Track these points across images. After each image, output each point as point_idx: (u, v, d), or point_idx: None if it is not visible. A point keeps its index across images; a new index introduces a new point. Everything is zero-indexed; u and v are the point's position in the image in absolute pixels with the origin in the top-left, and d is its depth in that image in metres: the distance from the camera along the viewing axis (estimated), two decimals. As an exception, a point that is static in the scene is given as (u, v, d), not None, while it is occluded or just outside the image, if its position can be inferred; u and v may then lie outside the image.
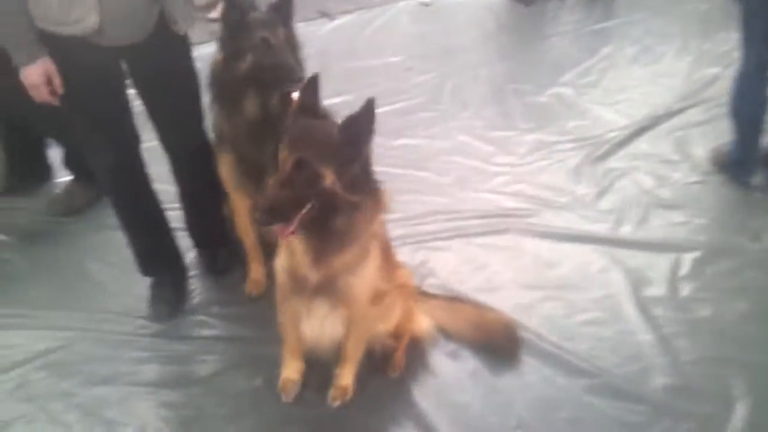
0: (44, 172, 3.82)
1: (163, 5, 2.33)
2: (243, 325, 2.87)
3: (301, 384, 2.53)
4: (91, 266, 3.24)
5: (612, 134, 4.23)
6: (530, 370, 2.63)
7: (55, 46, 2.27)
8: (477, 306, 2.76)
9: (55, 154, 3.82)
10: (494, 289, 3.04)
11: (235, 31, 2.58)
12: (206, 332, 2.87)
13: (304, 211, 1.89)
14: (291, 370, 2.52)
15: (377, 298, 2.32)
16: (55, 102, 2.38)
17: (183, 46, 2.57)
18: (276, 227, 1.92)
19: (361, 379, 2.54)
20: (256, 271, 3.02)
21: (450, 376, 2.62)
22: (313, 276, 2.11)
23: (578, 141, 4.17)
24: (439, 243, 3.33)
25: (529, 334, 2.75)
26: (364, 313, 2.30)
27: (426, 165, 4.01)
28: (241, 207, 2.89)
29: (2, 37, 2.28)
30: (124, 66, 2.48)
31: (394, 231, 3.31)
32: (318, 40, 5.58)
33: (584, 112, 4.55)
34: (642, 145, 4.17)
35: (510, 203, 3.63)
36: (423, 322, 2.68)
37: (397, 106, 4.65)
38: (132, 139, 2.65)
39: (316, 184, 1.86)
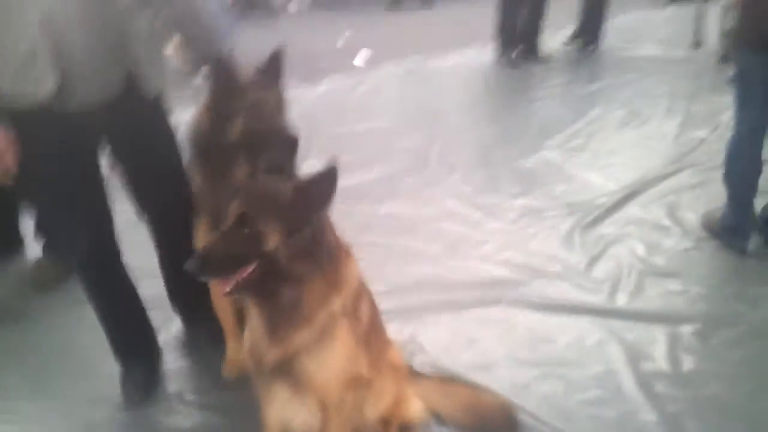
0: (14, 244, 3.66)
1: (129, 66, 2.21)
2: (221, 414, 2.67)
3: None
4: (62, 347, 3.06)
5: (602, 199, 4.17)
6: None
7: (14, 117, 2.10)
8: (471, 387, 2.59)
9: (26, 223, 3.67)
10: (488, 366, 2.87)
11: (224, 93, 2.46)
12: (181, 422, 2.66)
13: (244, 271, 1.75)
14: None
15: (353, 383, 2.11)
16: (6, 180, 2.19)
17: (157, 107, 2.45)
18: (213, 282, 1.79)
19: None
20: (233, 350, 2.83)
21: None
22: (269, 355, 1.94)
23: (567, 207, 4.10)
24: (429, 316, 3.18)
25: (527, 417, 2.57)
26: (336, 401, 2.09)
27: (413, 233, 3.90)
28: None
29: None
30: (95, 134, 2.35)
31: (381, 304, 3.20)
32: (306, 104, 5.57)
33: (572, 177, 4.50)
34: (633, 210, 4.10)
35: (500, 272, 3.51)
36: (414, 406, 2.49)
37: (382, 171, 4.59)
38: (106, 220, 2.49)
39: (258, 244, 1.73)
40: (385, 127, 5.28)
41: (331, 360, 1.96)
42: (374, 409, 2.34)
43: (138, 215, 2.66)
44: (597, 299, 3.30)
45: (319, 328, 1.88)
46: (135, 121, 2.33)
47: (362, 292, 2.15)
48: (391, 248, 3.71)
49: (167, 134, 2.53)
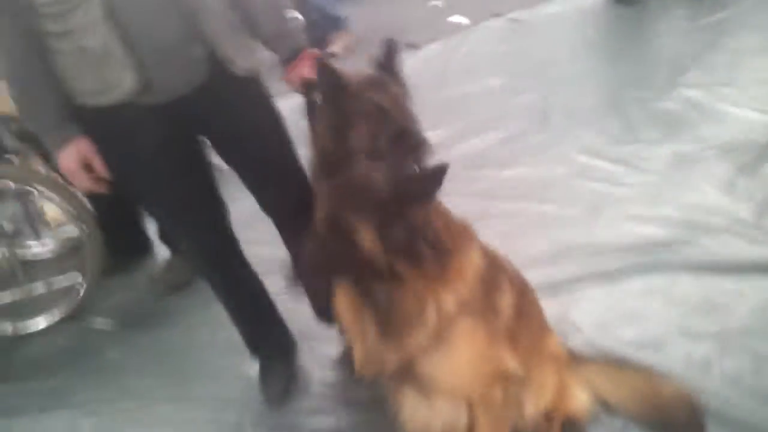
0: (143, 246, 3.65)
1: (209, 44, 1.99)
2: (365, 410, 2.49)
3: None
4: (196, 348, 3.01)
5: (762, 136, 3.60)
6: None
7: (101, 121, 1.98)
8: (645, 372, 2.22)
9: (152, 226, 3.65)
10: (657, 343, 2.51)
11: (335, 98, 2.14)
12: (323, 421, 2.52)
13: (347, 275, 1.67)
14: None
15: (497, 380, 1.88)
16: (102, 189, 2.09)
17: (252, 88, 2.20)
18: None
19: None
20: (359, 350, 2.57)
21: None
22: (387, 361, 1.78)
23: (723, 148, 3.56)
24: (579, 290, 2.83)
25: (712, 399, 2.20)
26: (480, 401, 1.88)
27: (546, 195, 3.53)
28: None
29: (29, 120, 2.06)
30: (190, 124, 2.15)
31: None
32: (408, 73, 5.25)
33: (721, 114, 3.93)
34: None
35: (656, 232, 3.08)
36: (579, 397, 2.20)
37: (501, 133, 4.22)
38: (218, 216, 2.35)
39: (354, 242, 1.57)
40: (496, 85, 4.87)
41: (455, 362, 1.78)
42: (534, 404, 2.08)
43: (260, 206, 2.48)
44: (775, 253, 2.83)
45: (433, 330, 1.71)
46: (231, 104, 2.11)
47: (498, 280, 1.89)
48: (523, 215, 3.38)
49: (270, 117, 2.29)
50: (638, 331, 2.58)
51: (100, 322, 3.30)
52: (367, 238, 1.58)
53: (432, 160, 2.34)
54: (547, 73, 4.88)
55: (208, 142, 2.28)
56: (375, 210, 1.58)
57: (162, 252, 3.63)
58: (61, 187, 3.07)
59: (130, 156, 2.06)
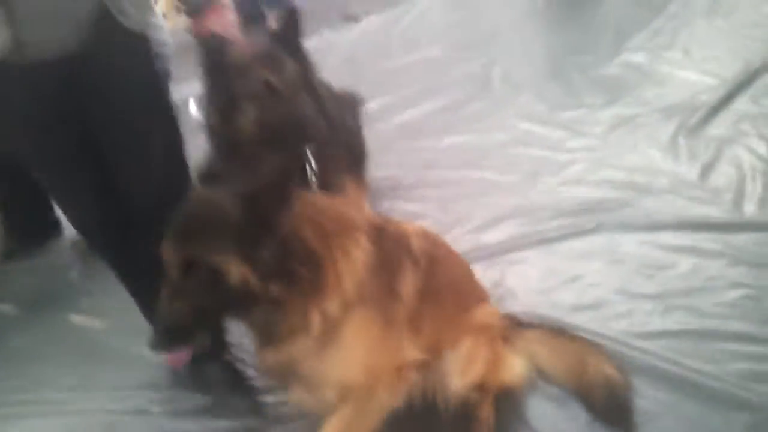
0: (51, 228, 3.35)
1: None
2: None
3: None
4: (102, 333, 2.75)
5: (703, 97, 3.49)
6: (667, 410, 1.94)
7: None
8: (582, 345, 2.05)
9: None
10: (597, 304, 2.36)
11: (220, 75, 1.94)
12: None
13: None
14: None
15: (387, 376, 1.72)
16: None
17: (140, 48, 1.90)
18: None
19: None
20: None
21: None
22: (268, 361, 1.64)
23: (666, 111, 3.45)
24: (515, 255, 2.68)
25: (657, 361, 2.07)
26: (359, 397, 1.70)
27: (485, 163, 3.37)
28: None
29: None
30: (70, 87, 1.83)
31: (458, 246, 2.73)
32: (346, 46, 5.07)
33: (664, 77, 3.84)
34: (743, 105, 3.43)
35: (597, 194, 2.95)
36: (514, 366, 2.03)
37: (441, 102, 4.05)
38: (103, 188, 2.01)
39: (221, 283, 1.36)
40: (437, 56, 4.69)
41: (341, 363, 1.64)
42: (461, 378, 1.91)
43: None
44: (719, 212, 2.71)
45: (317, 335, 1.55)
46: (116, 66, 1.82)
47: (396, 263, 1.72)
48: (462, 183, 3.22)
49: (156, 83, 1.99)
50: (577, 293, 2.43)
51: (3, 308, 3.01)
52: (234, 273, 1.36)
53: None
54: (489, 42, 4.72)
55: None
56: (234, 238, 1.37)
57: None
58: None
59: (5, 119, 1.79)
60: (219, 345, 2.31)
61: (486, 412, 1.97)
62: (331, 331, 1.56)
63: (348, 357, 1.63)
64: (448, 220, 2.93)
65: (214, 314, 1.45)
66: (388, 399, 1.74)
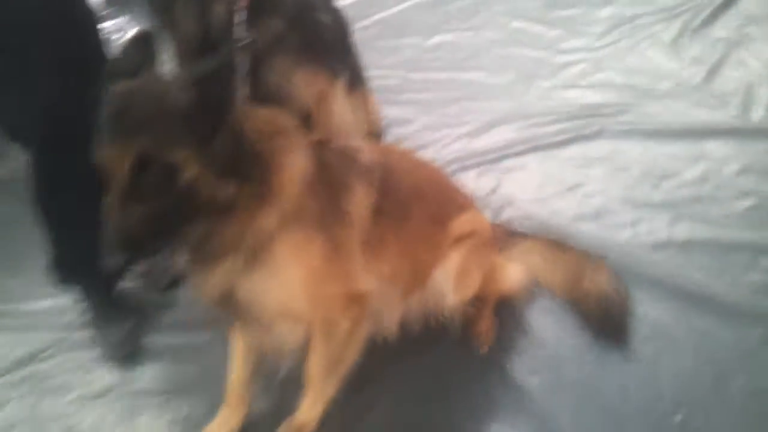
0: None
1: None
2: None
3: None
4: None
5: (711, -2, 3.28)
6: (677, 322, 1.83)
7: None
8: (580, 257, 1.92)
9: None
10: (598, 214, 2.21)
11: None
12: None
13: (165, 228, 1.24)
14: (223, 418, 1.75)
15: (347, 303, 1.52)
16: None
17: None
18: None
19: (440, 363, 1.81)
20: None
21: (562, 344, 1.83)
22: (208, 288, 1.42)
23: (667, 9, 3.25)
24: (511, 161, 2.50)
25: (665, 273, 1.95)
26: (323, 322, 1.53)
27: (475, 64, 3.14)
28: None
29: None
30: None
31: (447, 153, 2.54)
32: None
33: (665, -26, 3.59)
34: (749, 5, 3.22)
35: (597, 98, 2.76)
36: (511, 274, 1.91)
37: (424, -3, 3.74)
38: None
39: (173, 183, 1.18)
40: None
41: (278, 287, 1.42)
42: (456, 294, 1.76)
43: None
44: (725, 117, 2.55)
45: (249, 253, 1.36)
46: None
47: (342, 178, 1.50)
48: (450, 85, 2.99)
49: None
50: (578, 202, 2.28)
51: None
52: (188, 170, 1.17)
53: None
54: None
55: None
56: (185, 129, 1.16)
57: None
58: None
59: None
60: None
61: (485, 324, 1.86)
62: (264, 249, 1.37)
63: (285, 280, 1.43)
64: (437, 125, 2.73)
65: (167, 220, 1.23)
66: (353, 328, 1.56)
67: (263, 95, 1.82)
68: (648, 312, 1.84)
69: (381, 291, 1.60)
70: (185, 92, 1.18)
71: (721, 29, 3.07)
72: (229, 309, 1.47)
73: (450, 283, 1.75)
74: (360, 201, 1.52)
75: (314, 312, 1.50)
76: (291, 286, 1.44)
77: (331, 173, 1.47)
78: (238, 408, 1.74)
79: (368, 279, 1.55)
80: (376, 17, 3.59)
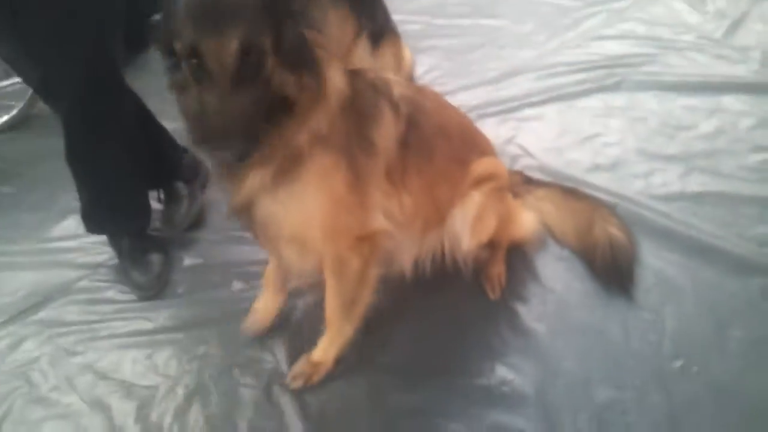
0: None
1: None
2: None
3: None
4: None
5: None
6: (682, 272, 1.90)
7: None
8: (591, 206, 1.98)
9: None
10: (614, 165, 2.27)
11: None
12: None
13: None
14: (263, 300, 1.89)
15: (352, 239, 1.56)
16: None
17: None
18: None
19: (453, 304, 1.89)
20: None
21: (570, 290, 1.91)
22: (232, 200, 1.47)
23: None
24: (530, 111, 2.54)
25: (675, 224, 2.01)
26: (334, 258, 1.57)
27: (496, 10, 3.16)
28: None
29: None
30: None
31: (469, 100, 2.58)
32: None
33: None
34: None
35: (616, 49, 2.78)
36: (525, 220, 1.97)
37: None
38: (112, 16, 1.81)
39: (262, 69, 1.24)
40: None
41: (296, 208, 1.45)
42: (472, 238, 1.79)
43: None
44: (745, 71, 2.57)
45: (277, 164, 1.38)
46: None
47: (373, 107, 1.53)
48: (471, 31, 3.02)
49: None
50: (593, 152, 2.34)
51: None
52: (270, 58, 1.24)
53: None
54: None
55: None
56: (266, 16, 1.23)
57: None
58: None
59: None
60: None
61: (497, 269, 1.94)
62: (294, 166, 1.40)
63: (305, 203, 1.46)
64: (460, 72, 2.76)
65: (255, 111, 1.26)
66: (364, 268, 1.60)
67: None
68: (654, 262, 1.92)
69: (399, 225, 1.64)
70: None
71: (746, -18, 3.04)
72: (248, 224, 1.53)
73: (467, 225, 1.77)
74: (387, 132, 1.56)
75: (324, 243, 1.53)
76: (309, 210, 1.47)
77: (363, 101, 1.51)
78: (276, 294, 1.86)
79: (382, 218, 1.59)
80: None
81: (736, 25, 2.79)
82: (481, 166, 1.79)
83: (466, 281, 1.88)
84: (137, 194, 2.16)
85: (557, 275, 1.96)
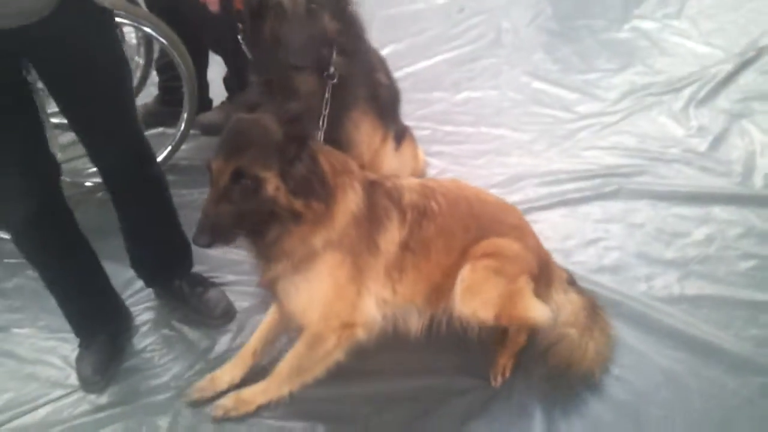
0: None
1: None
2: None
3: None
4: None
5: (712, 70, 3.59)
6: (687, 370, 2.06)
7: None
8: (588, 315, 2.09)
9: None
10: (616, 267, 2.46)
11: None
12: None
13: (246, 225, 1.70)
14: (224, 370, 2.10)
15: (337, 322, 1.89)
16: None
17: (104, 18, 1.83)
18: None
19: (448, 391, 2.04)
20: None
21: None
22: (262, 276, 1.89)
23: (675, 81, 3.55)
24: (536, 215, 2.73)
25: (679, 324, 2.19)
26: (315, 332, 1.92)
27: (500, 120, 3.41)
28: None
29: None
30: (19, 59, 1.77)
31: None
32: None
33: (673, 48, 3.92)
34: (750, 80, 3.54)
35: (610, 159, 3.03)
36: (535, 307, 2.02)
37: (452, 54, 4.05)
38: (52, 170, 1.96)
39: (259, 193, 1.63)
40: (446, 4, 4.65)
41: (304, 293, 1.85)
42: (466, 304, 1.95)
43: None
44: (729, 183, 2.83)
45: (297, 259, 1.79)
46: (80, 34, 1.77)
47: (381, 217, 1.87)
48: (477, 138, 3.25)
49: (117, 52, 1.91)
50: (598, 255, 2.53)
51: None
52: (271, 185, 1.61)
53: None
54: (495, -4, 4.69)
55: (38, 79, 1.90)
56: (275, 155, 1.61)
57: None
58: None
59: None
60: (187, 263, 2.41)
61: (505, 360, 2.06)
62: (307, 260, 1.78)
63: (312, 290, 1.83)
64: (469, 177, 2.94)
65: (248, 219, 1.66)
66: (333, 350, 1.92)
67: (334, 137, 2.12)
68: (662, 360, 2.08)
69: (393, 305, 1.97)
70: (280, 127, 1.63)
71: (725, 101, 3.36)
72: (272, 293, 1.93)
73: (458, 292, 1.94)
74: (391, 238, 1.90)
75: (317, 321, 1.87)
76: (313, 294, 1.84)
77: (376, 211, 1.87)
78: (245, 362, 2.09)
79: (372, 308, 1.92)
80: (408, 70, 3.85)
81: (718, 140, 3.07)
82: (480, 249, 1.97)
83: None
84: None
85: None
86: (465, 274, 1.95)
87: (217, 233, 1.64)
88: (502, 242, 2.00)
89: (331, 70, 2.08)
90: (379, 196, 1.88)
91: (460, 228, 1.98)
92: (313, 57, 2.04)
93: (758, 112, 3.24)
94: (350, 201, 1.79)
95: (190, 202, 2.83)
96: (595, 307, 2.12)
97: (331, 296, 1.85)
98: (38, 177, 1.90)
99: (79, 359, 2.21)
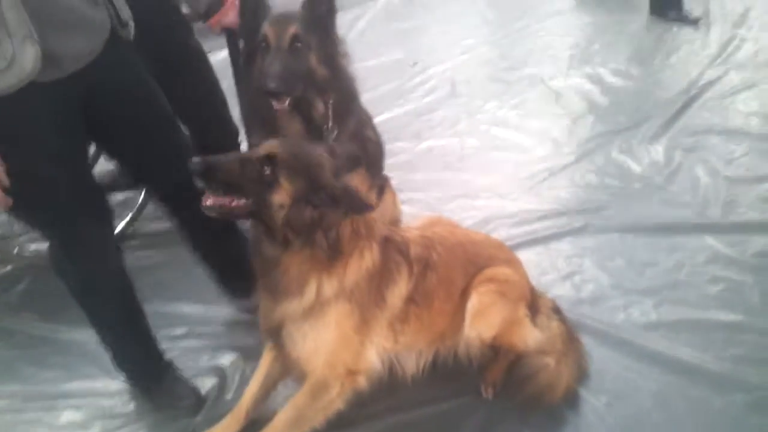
0: None
1: (108, 4, 1.77)
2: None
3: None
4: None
5: (669, 110, 3.81)
6: (675, 392, 2.12)
7: None
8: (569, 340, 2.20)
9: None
10: (595, 299, 2.53)
11: (250, 21, 2.15)
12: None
13: (236, 201, 1.69)
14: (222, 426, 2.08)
15: (341, 371, 1.90)
16: (6, 204, 1.64)
17: (133, 54, 1.94)
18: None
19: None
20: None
21: (578, 406, 2.09)
22: (271, 316, 1.87)
23: (627, 123, 3.75)
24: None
25: (662, 348, 2.27)
26: (319, 381, 1.91)
27: (464, 165, 3.52)
28: None
29: None
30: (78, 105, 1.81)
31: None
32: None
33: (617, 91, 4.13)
34: (693, 119, 3.74)
35: (576, 197, 3.16)
36: (530, 333, 2.13)
37: (411, 106, 4.18)
38: (108, 227, 2.07)
39: (267, 189, 1.67)
40: (398, 59, 4.82)
41: (311, 341, 1.85)
42: (474, 327, 2.05)
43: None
44: (690, 214, 2.95)
45: (306, 305, 1.80)
46: (122, 72, 1.88)
47: (392, 274, 1.93)
48: (446, 184, 3.33)
49: (150, 81, 2.01)
50: (576, 289, 2.59)
51: None
52: (282, 196, 1.64)
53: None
54: (451, 48, 4.88)
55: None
56: (304, 178, 1.65)
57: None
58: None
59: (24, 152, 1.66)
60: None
61: (495, 376, 2.15)
62: (317, 308, 1.80)
63: (318, 338, 1.84)
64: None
65: (240, 195, 1.67)
66: (336, 398, 1.91)
67: None
68: (652, 385, 2.14)
69: (393, 352, 2.03)
70: (327, 164, 1.69)
71: (674, 138, 3.54)
72: (275, 340, 1.91)
73: (469, 316, 2.03)
74: (399, 292, 1.95)
75: (322, 368, 1.87)
76: (320, 342, 1.84)
77: (388, 266, 1.91)
78: (239, 419, 2.05)
79: (375, 357, 1.95)
80: (371, 123, 3.94)
81: (673, 174, 3.23)
82: (482, 277, 2.07)
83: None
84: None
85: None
86: (473, 302, 2.04)
87: (211, 174, 1.64)
88: (500, 270, 2.13)
89: (330, 124, 2.16)
90: (392, 251, 1.93)
91: (460, 274, 2.08)
92: (290, 87, 2.05)
93: (704, 147, 3.43)
94: (366, 260, 1.85)
95: (156, 264, 2.84)
96: (570, 334, 2.21)
97: (337, 344, 1.87)
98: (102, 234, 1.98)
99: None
